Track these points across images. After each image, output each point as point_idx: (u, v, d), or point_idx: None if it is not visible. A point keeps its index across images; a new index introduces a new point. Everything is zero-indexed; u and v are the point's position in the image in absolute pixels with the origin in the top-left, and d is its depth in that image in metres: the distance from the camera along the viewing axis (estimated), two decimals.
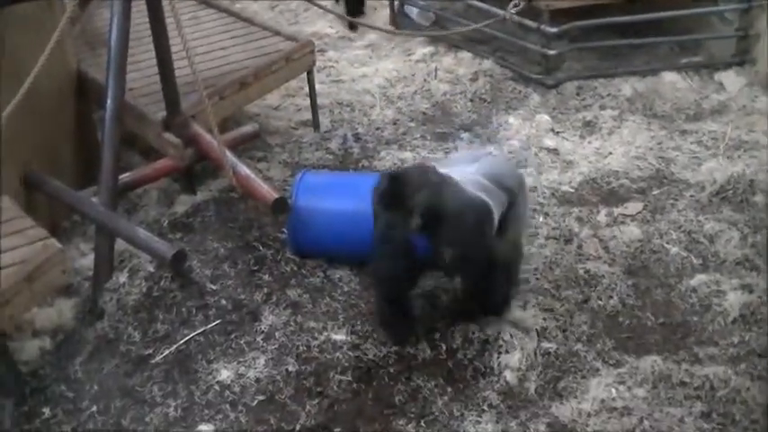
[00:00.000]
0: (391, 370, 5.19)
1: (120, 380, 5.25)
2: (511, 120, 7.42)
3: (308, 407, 5.00)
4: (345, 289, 5.73)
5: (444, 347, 5.28)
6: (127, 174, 6.30)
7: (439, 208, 4.95)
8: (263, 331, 5.44)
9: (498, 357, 5.20)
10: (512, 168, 5.93)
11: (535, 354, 5.21)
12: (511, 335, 5.30)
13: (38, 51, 5.38)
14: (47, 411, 5.11)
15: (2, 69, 5.58)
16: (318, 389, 5.11)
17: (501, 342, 5.27)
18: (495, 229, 5.19)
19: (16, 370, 5.26)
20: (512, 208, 5.33)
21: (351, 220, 5.64)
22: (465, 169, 5.29)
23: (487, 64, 8.22)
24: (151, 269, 5.82)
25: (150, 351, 5.36)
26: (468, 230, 5.05)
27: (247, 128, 6.88)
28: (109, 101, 6.06)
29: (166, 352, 5.35)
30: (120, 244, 5.89)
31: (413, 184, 4.98)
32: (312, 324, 5.48)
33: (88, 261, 5.94)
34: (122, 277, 5.78)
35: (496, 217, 5.17)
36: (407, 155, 6.94)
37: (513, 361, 5.17)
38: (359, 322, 5.48)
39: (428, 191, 4.95)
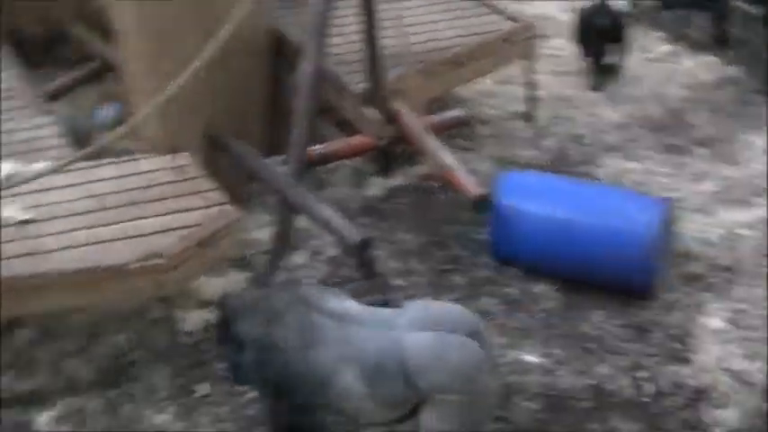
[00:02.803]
0: (585, 404, 5.05)
1: None
2: (758, 141, 7.12)
3: None
4: (544, 306, 5.62)
5: (650, 389, 5.10)
6: (318, 146, 6.35)
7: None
8: None
9: (712, 411, 4.99)
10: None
11: (758, 413, 4.96)
12: (729, 387, 5.07)
13: (235, 6, 5.48)
14: (203, 388, 5.23)
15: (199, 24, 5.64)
16: (502, 413, 5.01)
17: (716, 394, 5.05)
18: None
19: (177, 340, 5.39)
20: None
21: (561, 230, 5.53)
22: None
23: (735, 71, 7.92)
24: (333, 253, 5.85)
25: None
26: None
27: (455, 113, 6.85)
28: (306, 65, 6.12)
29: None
30: (302, 221, 5.94)
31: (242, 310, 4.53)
32: (503, 339, 5.39)
33: (266, 234, 6.03)
34: (301, 257, 5.85)
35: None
36: (633, 165, 6.76)
37: (729, 419, 4.95)
38: (555, 346, 5.36)
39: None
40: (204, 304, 5.71)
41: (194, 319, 5.60)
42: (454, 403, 4.22)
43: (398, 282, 5.71)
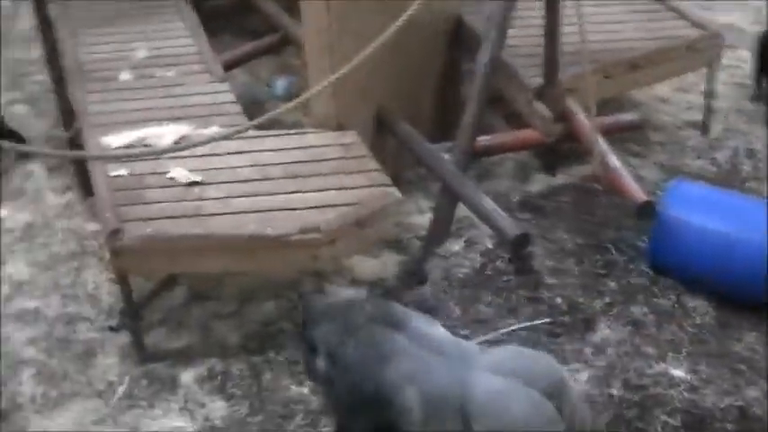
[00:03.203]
0: (729, 426, 4.89)
1: None
2: None
3: None
4: (698, 321, 5.48)
5: None
6: (486, 137, 6.35)
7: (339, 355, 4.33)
8: (594, 343, 5.32)
9: None
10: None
11: None
12: None
13: None
14: None
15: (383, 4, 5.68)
16: (639, 424, 4.91)
17: None
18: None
19: None
20: None
21: (725, 245, 5.39)
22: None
23: None
24: (489, 245, 5.85)
25: (467, 332, 5.38)
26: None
27: (628, 116, 6.75)
28: (484, 55, 6.11)
29: (485, 337, 5.36)
30: (461, 210, 5.95)
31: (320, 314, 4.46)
32: (651, 350, 5.29)
33: (424, 220, 6.07)
34: (456, 245, 5.86)
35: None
36: None
37: None
38: (704, 363, 5.22)
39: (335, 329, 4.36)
40: (356, 282, 5.80)
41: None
42: None
43: (550, 280, 5.66)
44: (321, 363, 4.38)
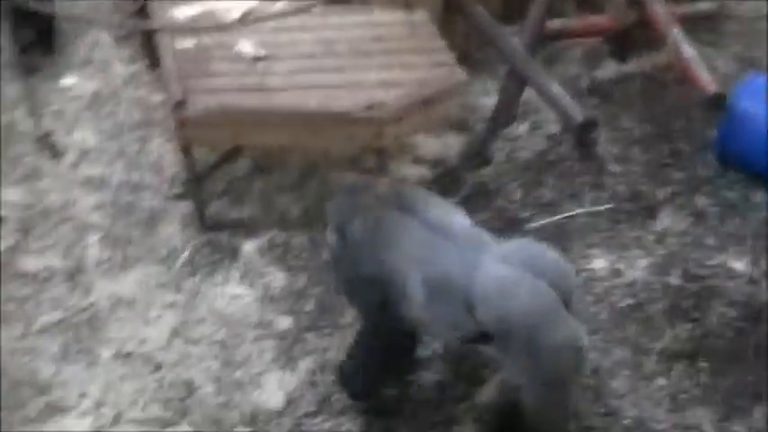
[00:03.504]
0: None
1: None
2: None
3: (676, 329, 4.86)
4: (762, 215, 5.43)
5: None
6: (557, 21, 6.26)
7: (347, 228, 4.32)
8: (655, 231, 5.31)
9: None
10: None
11: None
12: None
13: None
14: None
15: None
16: (696, 314, 4.92)
17: None
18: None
19: None
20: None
21: None
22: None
23: None
24: (554, 129, 5.82)
25: (527, 214, 5.40)
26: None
27: (704, 5, 6.62)
28: None
29: (545, 221, 5.36)
30: (528, 93, 5.91)
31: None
32: (712, 242, 5.28)
33: (490, 101, 6.02)
34: (521, 129, 5.84)
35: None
36: None
37: None
38: (766, 257, 5.19)
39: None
40: (418, 161, 5.81)
41: (407, 174, 5.72)
42: (512, 346, 3.99)
43: (615, 168, 5.62)
44: (331, 236, 4.40)
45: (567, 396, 4.18)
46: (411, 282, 4.09)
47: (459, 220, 4.26)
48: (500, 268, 3.96)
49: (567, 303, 3.92)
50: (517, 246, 4.24)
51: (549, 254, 4.11)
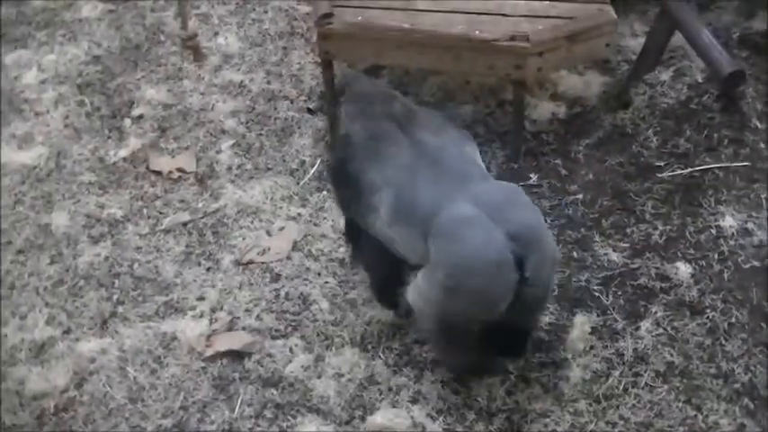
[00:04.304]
0: None
1: (616, 180, 5.31)
2: None
3: None
4: None
5: None
6: None
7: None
8: None
9: None
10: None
11: None
12: None
13: None
14: (534, 177, 5.36)
15: None
16: None
17: None
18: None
19: (522, 124, 5.48)
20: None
21: None
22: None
23: None
24: (699, 79, 5.67)
25: (661, 163, 5.31)
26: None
27: None
28: None
29: (678, 172, 5.28)
30: (676, 39, 5.77)
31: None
32: None
33: (636, 44, 5.90)
34: (665, 75, 5.71)
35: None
36: None
37: None
38: None
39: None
40: (557, 97, 5.76)
41: (543, 110, 5.67)
42: (435, 278, 4.04)
43: (758, 125, 5.46)
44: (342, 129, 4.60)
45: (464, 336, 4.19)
46: (383, 197, 4.24)
47: (455, 151, 4.33)
48: (463, 207, 4.00)
49: (522, 260, 3.90)
50: (497, 188, 4.27)
51: (526, 208, 4.13)
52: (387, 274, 4.46)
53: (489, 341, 4.21)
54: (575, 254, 4.98)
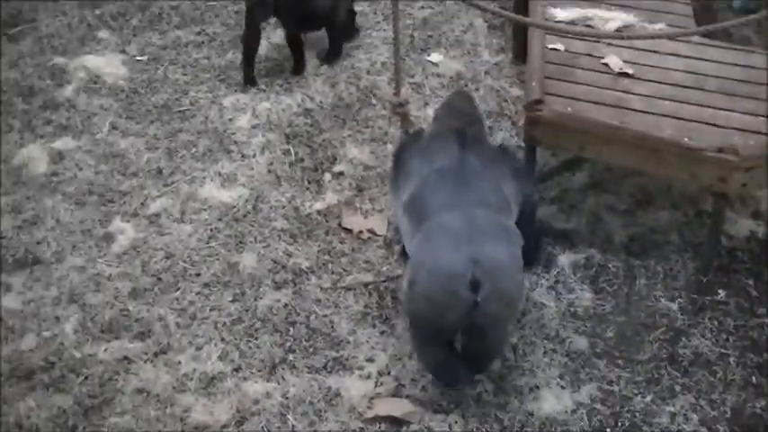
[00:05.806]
0: None
1: None
2: None
3: None
4: None
5: None
6: None
7: None
8: None
9: None
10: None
11: None
12: None
13: None
14: (722, 294, 5.29)
15: None
16: None
17: None
18: None
19: (718, 237, 5.38)
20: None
21: None
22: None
23: None
24: None
25: None
26: None
27: None
28: None
29: None
30: None
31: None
32: None
33: None
34: None
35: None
36: None
37: None
38: None
39: None
40: (758, 216, 5.62)
41: (741, 226, 5.58)
42: (406, 273, 4.62)
43: None
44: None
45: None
46: (408, 185, 4.88)
47: (488, 181, 4.78)
48: (452, 220, 4.51)
49: (477, 285, 4.32)
50: (495, 221, 4.61)
51: (504, 244, 4.52)
52: None
53: (453, 351, 4.70)
54: (753, 378, 4.85)
